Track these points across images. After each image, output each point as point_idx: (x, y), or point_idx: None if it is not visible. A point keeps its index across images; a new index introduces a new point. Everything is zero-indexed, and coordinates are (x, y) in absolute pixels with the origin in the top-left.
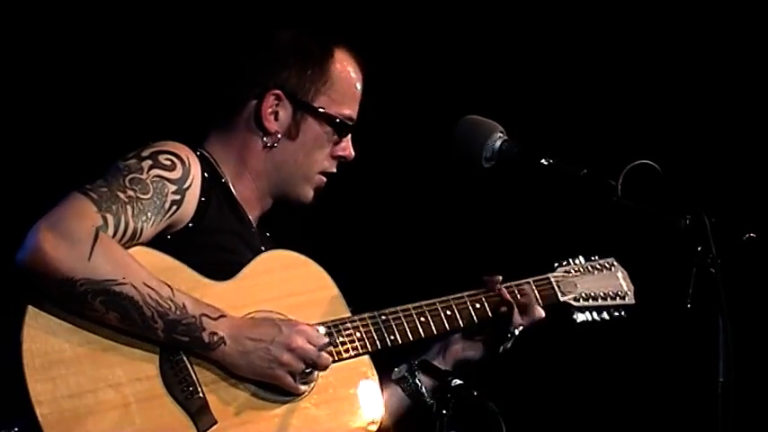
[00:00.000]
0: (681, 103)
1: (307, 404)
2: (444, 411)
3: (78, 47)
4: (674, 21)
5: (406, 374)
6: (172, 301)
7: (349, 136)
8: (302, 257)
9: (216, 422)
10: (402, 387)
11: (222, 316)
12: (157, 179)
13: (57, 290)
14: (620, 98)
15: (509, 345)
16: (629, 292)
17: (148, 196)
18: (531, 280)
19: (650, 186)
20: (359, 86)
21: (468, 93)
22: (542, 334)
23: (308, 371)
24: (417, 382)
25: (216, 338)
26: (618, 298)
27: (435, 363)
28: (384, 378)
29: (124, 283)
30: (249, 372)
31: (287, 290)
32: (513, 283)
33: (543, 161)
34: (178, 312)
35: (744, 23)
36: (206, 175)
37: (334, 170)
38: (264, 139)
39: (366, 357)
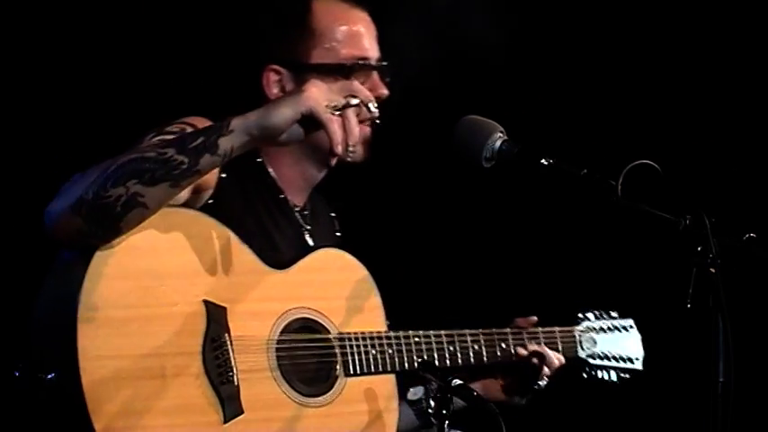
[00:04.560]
0: (681, 103)
1: (330, 412)
2: (444, 411)
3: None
4: (674, 21)
5: (422, 397)
6: (164, 137)
7: (374, 74)
8: (357, 263)
9: (242, 412)
10: (414, 409)
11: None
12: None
13: (79, 220)
14: (620, 98)
15: (531, 396)
16: (639, 358)
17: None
18: (557, 330)
19: (650, 186)
20: (354, 24)
21: (469, 93)
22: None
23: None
24: (431, 407)
25: (226, 119)
26: (629, 362)
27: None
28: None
29: (115, 161)
30: (276, 106)
31: (335, 292)
32: (540, 329)
33: (543, 161)
34: (179, 136)
35: (744, 23)
36: None
37: (373, 115)
38: None
39: (392, 377)
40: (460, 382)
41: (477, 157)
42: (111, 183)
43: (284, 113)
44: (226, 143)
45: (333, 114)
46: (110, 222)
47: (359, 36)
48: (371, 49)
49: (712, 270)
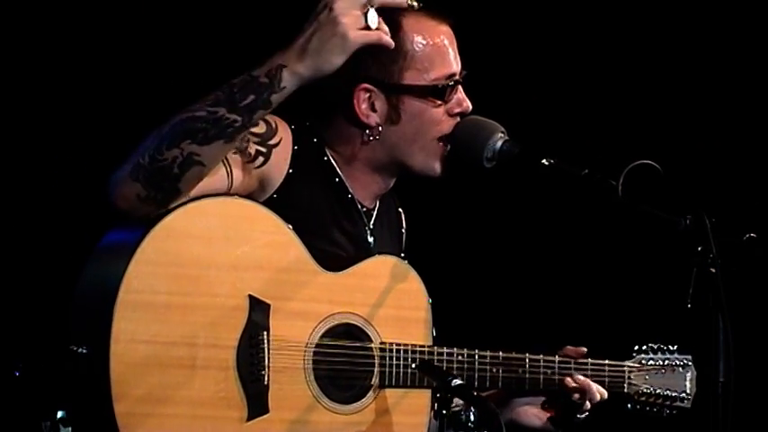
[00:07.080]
0: (681, 103)
1: (356, 420)
2: (444, 411)
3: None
4: (674, 21)
5: (462, 410)
6: (213, 92)
7: (458, 89)
8: (411, 272)
9: (267, 412)
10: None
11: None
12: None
13: (138, 186)
14: (620, 98)
15: (567, 427)
16: (689, 396)
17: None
18: (606, 364)
19: (650, 186)
20: (441, 41)
21: (469, 93)
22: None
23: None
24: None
25: (274, 70)
26: (677, 401)
27: None
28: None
29: (167, 123)
30: (324, 54)
31: (382, 300)
32: (589, 361)
33: (544, 161)
34: (225, 89)
35: (744, 23)
36: (296, 147)
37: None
38: (367, 132)
39: (428, 391)
40: (460, 382)
41: (479, 157)
42: (166, 145)
43: (336, 61)
44: (278, 98)
45: (369, 24)
46: (168, 184)
47: (446, 53)
48: (456, 63)
49: (712, 270)
